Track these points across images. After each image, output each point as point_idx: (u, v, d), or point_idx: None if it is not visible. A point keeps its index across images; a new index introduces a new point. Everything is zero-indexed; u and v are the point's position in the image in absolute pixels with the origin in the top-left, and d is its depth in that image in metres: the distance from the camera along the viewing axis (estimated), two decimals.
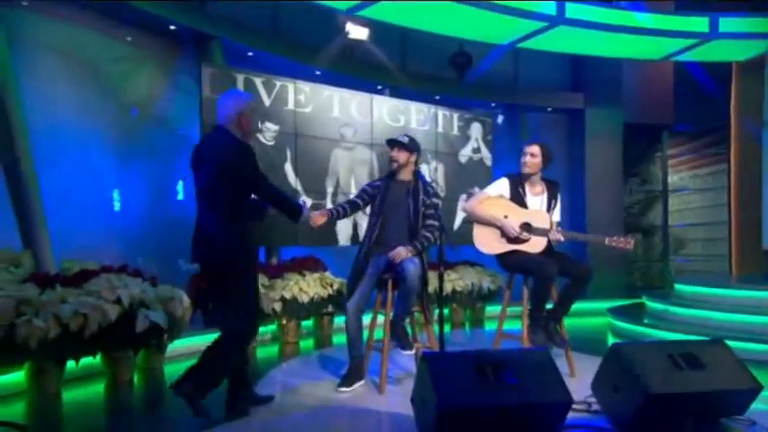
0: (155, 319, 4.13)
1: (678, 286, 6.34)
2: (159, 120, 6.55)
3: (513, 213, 4.03)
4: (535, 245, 3.97)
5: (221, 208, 3.14)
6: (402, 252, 3.68)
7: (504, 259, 4.07)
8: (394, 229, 3.83)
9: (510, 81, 9.86)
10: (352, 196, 3.99)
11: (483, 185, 7.91)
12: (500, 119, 9.84)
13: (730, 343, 4.62)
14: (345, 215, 3.95)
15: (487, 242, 4.08)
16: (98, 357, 4.13)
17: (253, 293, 3.28)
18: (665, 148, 11.05)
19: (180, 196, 6.80)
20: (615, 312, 6.41)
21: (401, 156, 3.90)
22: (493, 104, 9.78)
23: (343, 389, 3.73)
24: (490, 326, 7.24)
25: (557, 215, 4.16)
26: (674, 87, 10.40)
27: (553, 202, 4.14)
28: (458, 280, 6.87)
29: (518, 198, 4.07)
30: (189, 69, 6.81)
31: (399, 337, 3.72)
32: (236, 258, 3.13)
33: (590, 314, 7.16)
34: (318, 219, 3.67)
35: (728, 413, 2.87)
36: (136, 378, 4.33)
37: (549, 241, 3.99)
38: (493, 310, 7.46)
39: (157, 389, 4.30)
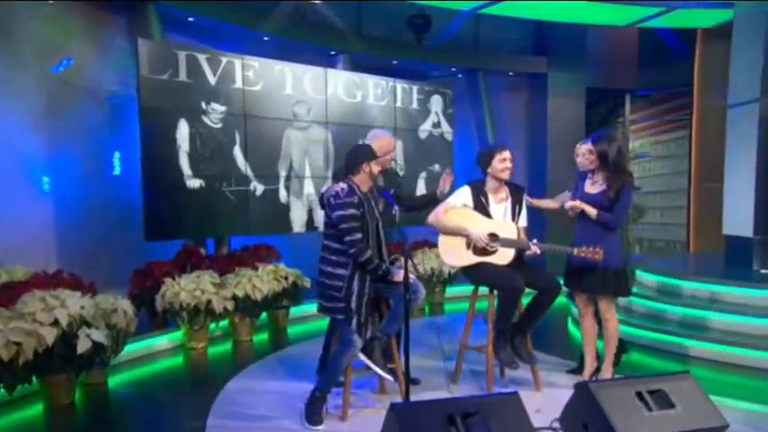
0: (97, 339, 3.96)
1: (639, 273, 6.52)
2: (89, 90, 6.13)
3: (479, 224, 3.98)
4: (503, 256, 3.95)
5: None
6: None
7: (470, 271, 4.05)
8: (372, 249, 3.63)
9: (471, 44, 9.68)
10: (357, 235, 3.50)
11: (444, 162, 7.90)
12: (458, 75, 9.72)
13: (690, 342, 4.99)
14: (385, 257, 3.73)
15: (453, 253, 4.04)
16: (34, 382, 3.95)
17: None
18: (626, 113, 11.16)
19: (116, 171, 6.48)
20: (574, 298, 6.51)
21: None
22: (453, 68, 9.62)
23: (318, 428, 3.57)
24: (449, 308, 7.34)
25: (523, 221, 4.14)
26: (639, 51, 10.43)
27: (517, 207, 4.11)
28: (418, 265, 6.85)
29: (481, 207, 4.02)
30: (121, 33, 6.39)
31: (378, 363, 3.69)
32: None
33: None
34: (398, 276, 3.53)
35: None
36: (78, 396, 4.17)
37: (517, 252, 3.98)
38: (451, 291, 7.55)
39: (102, 410, 4.17)
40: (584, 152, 4.20)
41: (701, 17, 8.66)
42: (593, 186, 4.09)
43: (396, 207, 4.00)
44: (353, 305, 3.51)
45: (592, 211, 3.97)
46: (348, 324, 3.52)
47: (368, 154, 3.64)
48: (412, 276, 3.49)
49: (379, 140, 4.18)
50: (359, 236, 3.49)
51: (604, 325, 4.15)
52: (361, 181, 3.63)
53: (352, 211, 3.49)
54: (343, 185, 3.59)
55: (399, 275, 3.52)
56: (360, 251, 3.48)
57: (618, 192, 3.95)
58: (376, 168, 3.64)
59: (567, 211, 4.11)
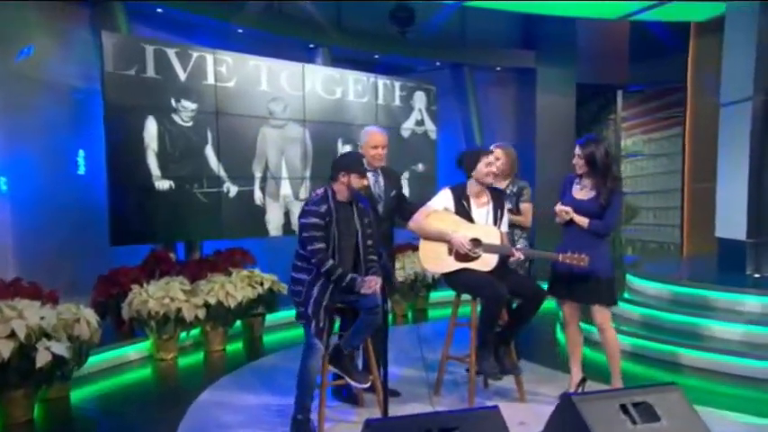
0: (57, 351, 3.93)
1: (630, 278, 6.59)
2: (50, 85, 6.05)
3: (461, 229, 4.00)
4: (485, 263, 3.97)
5: None
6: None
7: (452, 278, 4.07)
8: (346, 260, 3.70)
9: (457, 37, 9.71)
10: (317, 245, 3.56)
11: (428, 161, 7.93)
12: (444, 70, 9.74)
13: (683, 350, 5.05)
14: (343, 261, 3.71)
15: (434, 259, 4.06)
16: None
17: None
18: (618, 110, 11.26)
19: (80, 170, 6.41)
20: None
21: None
22: (438, 63, 9.65)
23: None
24: (433, 314, 7.36)
25: (504, 226, 4.17)
26: (630, 46, 10.53)
27: (499, 212, 4.14)
28: (399, 269, 6.87)
29: (463, 211, 4.05)
30: (84, 25, 6.32)
31: (350, 371, 3.72)
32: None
33: None
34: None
35: None
36: (37, 413, 4.12)
37: (501, 258, 4.00)
38: (436, 296, 7.57)
39: (63, 426, 4.13)
40: (499, 157, 4.34)
41: (694, 10, 8.76)
42: (581, 192, 4.07)
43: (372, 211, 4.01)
44: (310, 310, 3.60)
45: (583, 221, 3.96)
46: (308, 328, 3.62)
47: (348, 165, 3.67)
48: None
49: (365, 135, 4.27)
50: (319, 245, 3.57)
51: (602, 336, 4.13)
52: (338, 189, 3.69)
53: (313, 220, 3.58)
54: (319, 191, 3.69)
55: (367, 287, 3.58)
56: (321, 261, 3.58)
57: (609, 197, 3.94)
58: (356, 181, 3.66)
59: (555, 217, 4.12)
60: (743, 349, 4.94)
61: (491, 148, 4.53)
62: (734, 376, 4.80)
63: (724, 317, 5.32)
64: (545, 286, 4.19)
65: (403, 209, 4.32)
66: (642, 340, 5.43)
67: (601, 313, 4.08)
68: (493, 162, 4.08)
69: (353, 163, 3.69)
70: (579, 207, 4.01)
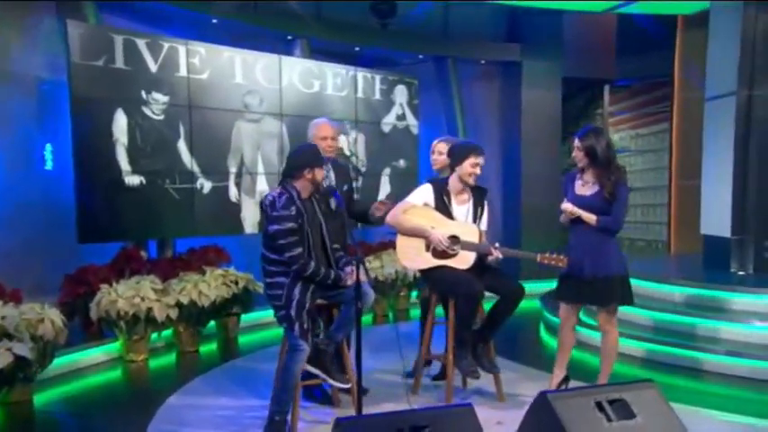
0: (19, 352, 3.91)
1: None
2: (13, 76, 5.98)
3: (440, 225, 4.04)
4: (463, 260, 4.01)
5: None
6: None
7: (428, 275, 4.10)
8: (320, 255, 3.70)
9: (440, 30, 9.75)
10: (297, 250, 3.52)
11: (409, 157, 7.95)
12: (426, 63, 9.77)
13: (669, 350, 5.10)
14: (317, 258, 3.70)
15: (412, 256, 4.09)
16: None
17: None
18: (605, 105, 11.35)
19: (47, 165, 6.35)
20: (548, 304, 6.58)
21: None
22: (420, 56, 9.66)
23: None
24: (415, 313, 7.38)
25: (484, 224, 4.20)
26: (617, 39, 10.61)
27: (479, 209, 4.17)
28: (379, 269, 6.90)
29: (443, 207, 4.08)
30: (50, 13, 6.25)
31: (330, 371, 3.73)
32: None
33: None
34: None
35: None
36: None
37: (479, 255, 4.04)
38: (418, 295, 7.59)
39: (25, 431, 4.10)
40: (442, 151, 4.34)
41: (680, 4, 8.87)
42: (584, 187, 3.96)
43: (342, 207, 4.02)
44: (293, 313, 3.55)
45: (591, 218, 3.86)
46: (292, 331, 3.57)
47: (312, 160, 3.64)
48: (362, 279, 3.50)
49: (314, 128, 4.30)
50: (299, 250, 3.53)
51: (604, 338, 4.07)
52: (303, 187, 3.64)
53: (289, 225, 3.52)
54: (280, 192, 3.61)
55: (348, 278, 3.59)
56: (303, 266, 3.54)
57: (613, 189, 3.84)
58: (320, 174, 3.65)
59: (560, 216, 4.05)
60: (733, 348, 4.97)
61: (434, 141, 4.54)
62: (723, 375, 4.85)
63: (708, 315, 5.36)
64: (526, 285, 4.21)
65: (352, 206, 4.37)
66: (631, 340, 5.44)
67: (606, 314, 4.00)
68: (480, 164, 4.07)
69: (315, 157, 3.67)
70: (581, 203, 3.90)
